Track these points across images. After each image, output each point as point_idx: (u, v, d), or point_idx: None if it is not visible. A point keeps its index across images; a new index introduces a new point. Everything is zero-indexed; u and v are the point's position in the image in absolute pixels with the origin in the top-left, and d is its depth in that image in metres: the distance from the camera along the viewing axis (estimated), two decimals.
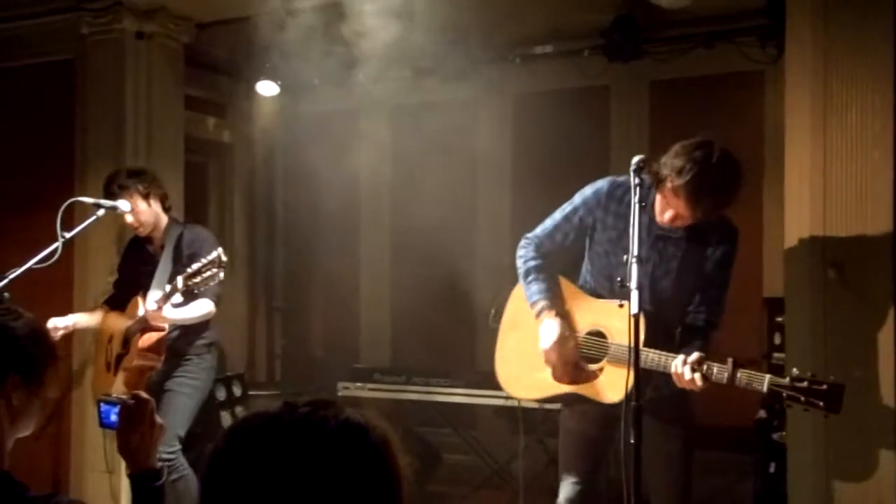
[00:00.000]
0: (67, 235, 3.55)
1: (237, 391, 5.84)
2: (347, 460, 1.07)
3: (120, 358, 3.85)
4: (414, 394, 5.20)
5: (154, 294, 3.74)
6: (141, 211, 3.90)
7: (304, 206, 6.67)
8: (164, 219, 4.01)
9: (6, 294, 3.45)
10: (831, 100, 3.35)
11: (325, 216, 6.45)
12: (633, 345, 2.43)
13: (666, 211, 2.72)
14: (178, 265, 3.82)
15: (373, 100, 6.31)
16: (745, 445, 4.58)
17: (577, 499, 2.99)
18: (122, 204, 3.80)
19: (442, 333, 6.03)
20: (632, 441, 2.44)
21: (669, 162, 2.64)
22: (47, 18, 4.90)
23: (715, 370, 2.58)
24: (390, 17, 4.70)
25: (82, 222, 3.75)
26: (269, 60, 5.69)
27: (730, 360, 2.58)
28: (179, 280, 3.54)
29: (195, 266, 3.52)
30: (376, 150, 6.56)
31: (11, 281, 3.39)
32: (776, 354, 4.34)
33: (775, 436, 4.13)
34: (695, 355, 2.60)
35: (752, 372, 2.58)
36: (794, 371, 2.55)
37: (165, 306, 3.62)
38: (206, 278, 3.50)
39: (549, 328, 2.89)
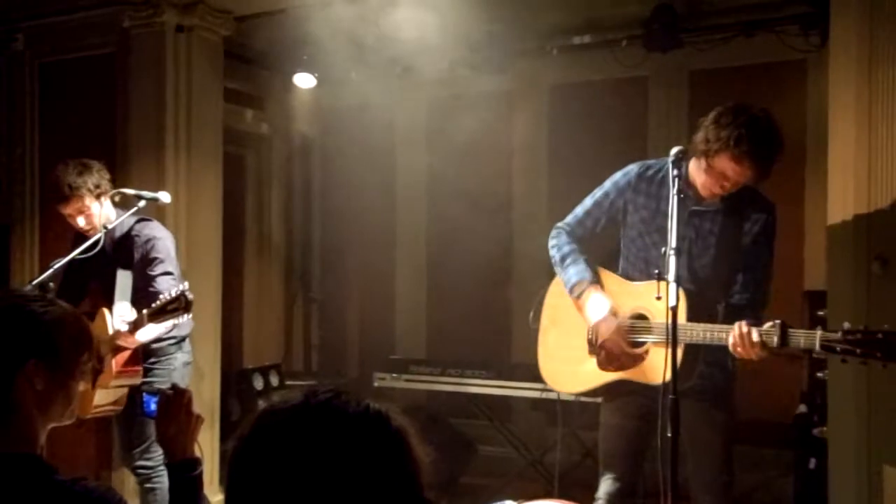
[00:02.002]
0: (109, 226, 3.61)
1: (274, 381, 5.92)
2: (367, 445, 1.09)
3: (96, 373, 3.49)
4: (449, 385, 5.21)
5: (121, 307, 3.49)
6: (92, 214, 3.59)
7: (340, 197, 6.72)
8: (114, 215, 3.68)
9: (51, 284, 3.53)
10: (877, 88, 3.27)
11: (361, 208, 6.49)
12: (671, 337, 2.41)
13: (715, 186, 2.70)
14: (134, 268, 3.61)
15: (409, 92, 6.32)
16: (785, 441, 4.52)
17: (616, 494, 2.97)
18: (163, 195, 3.82)
19: (477, 325, 6.04)
20: (668, 435, 2.42)
21: (714, 135, 2.62)
22: (90, 12, 4.98)
23: (764, 336, 2.53)
24: (427, 9, 4.70)
25: (123, 213, 3.81)
26: (307, 53, 5.73)
27: (777, 322, 2.53)
28: (145, 314, 3.28)
29: (159, 302, 3.26)
30: (413, 141, 6.58)
31: (55, 271, 3.47)
32: (822, 352, 4.26)
33: (815, 431, 4.06)
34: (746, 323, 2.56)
35: (802, 330, 2.53)
36: (846, 324, 2.48)
37: (138, 332, 3.35)
38: (171, 316, 3.23)
39: (598, 301, 2.87)
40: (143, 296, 3.48)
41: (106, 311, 3.50)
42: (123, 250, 3.64)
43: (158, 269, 3.59)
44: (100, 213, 3.61)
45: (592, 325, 2.88)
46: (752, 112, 2.63)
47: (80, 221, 3.60)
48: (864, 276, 3.28)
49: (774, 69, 5.37)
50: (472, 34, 5.44)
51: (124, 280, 3.58)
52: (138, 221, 3.70)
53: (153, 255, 3.61)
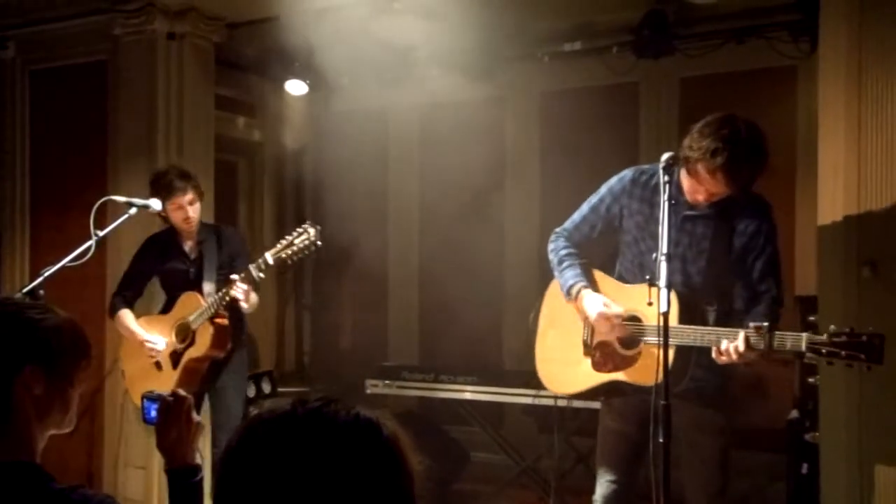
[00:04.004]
0: (100, 234, 3.60)
1: (266, 388, 5.88)
2: (359, 454, 1.08)
3: (178, 353, 3.91)
4: (442, 392, 5.20)
5: (209, 286, 3.91)
6: (197, 208, 3.97)
7: (332, 204, 6.71)
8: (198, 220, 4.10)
9: (41, 291, 3.51)
10: (866, 95, 3.30)
11: (353, 214, 6.48)
12: (662, 342, 2.41)
13: (698, 192, 2.71)
14: (220, 261, 3.99)
15: (401, 98, 6.32)
16: (777, 446, 4.52)
17: (613, 498, 2.97)
18: (154, 202, 3.84)
19: (470, 332, 6.03)
20: (661, 440, 2.42)
21: (697, 144, 2.63)
22: (81, 20, 4.97)
23: (752, 338, 2.55)
24: (419, 16, 4.71)
25: (114, 221, 3.80)
26: (299, 60, 5.72)
27: (764, 324, 2.54)
28: (268, 256, 3.59)
29: (284, 240, 3.58)
30: (405, 148, 6.58)
31: (46, 279, 3.45)
32: (808, 354, 4.27)
33: (807, 436, 4.07)
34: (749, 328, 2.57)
35: (788, 333, 2.55)
36: (832, 327, 2.51)
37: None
38: (301, 248, 3.54)
39: (593, 299, 2.89)
40: (220, 284, 3.88)
41: (195, 293, 3.90)
42: (218, 250, 4.01)
43: (246, 263, 3.86)
44: (198, 211, 3.99)
45: (594, 320, 2.88)
46: (735, 125, 2.61)
47: (190, 212, 3.93)
48: (855, 281, 3.30)
49: (765, 75, 5.40)
50: (463, 41, 5.44)
51: (211, 268, 3.97)
52: (220, 225, 4.26)
53: (241, 252, 4.06)
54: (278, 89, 6.23)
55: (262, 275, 3.67)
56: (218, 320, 3.85)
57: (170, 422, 1.86)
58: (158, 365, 3.97)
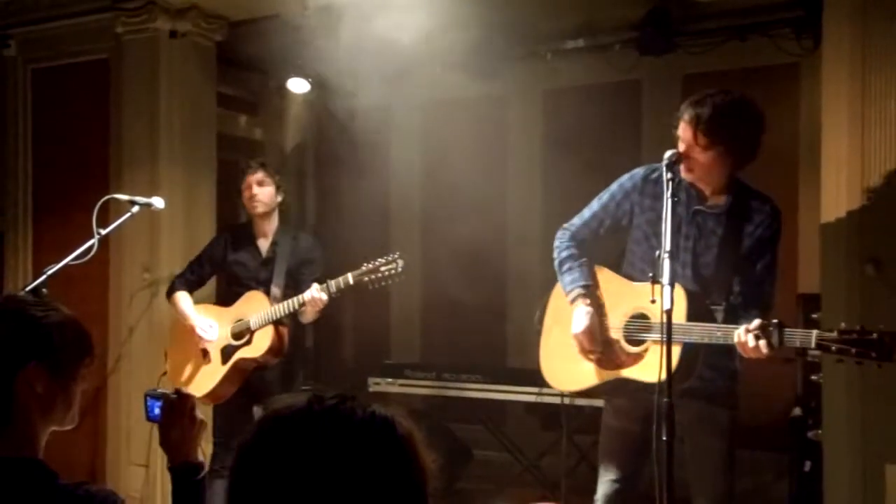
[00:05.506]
0: (103, 232, 3.60)
1: None
2: (374, 451, 1.08)
3: (231, 349, 3.86)
4: (444, 390, 5.20)
5: (276, 290, 3.88)
6: (266, 191, 3.96)
7: (334, 202, 6.71)
8: (276, 220, 4.06)
9: (44, 290, 3.52)
10: (869, 92, 3.29)
11: (355, 213, 6.48)
12: (665, 339, 2.41)
13: (681, 148, 2.74)
14: (289, 266, 3.95)
15: (403, 96, 6.32)
16: (780, 444, 4.52)
17: (615, 497, 2.96)
18: (157, 200, 3.83)
19: (472, 329, 6.03)
20: (664, 438, 2.42)
21: (690, 100, 2.72)
22: (83, 18, 4.97)
23: (761, 335, 2.52)
24: (420, 13, 4.70)
25: (117, 219, 3.80)
26: (300, 58, 5.72)
27: (775, 321, 2.53)
28: (350, 276, 3.60)
29: (371, 265, 3.58)
30: (407, 146, 6.58)
31: (49, 277, 3.46)
32: (811, 351, 4.27)
33: (810, 434, 4.07)
34: (756, 322, 2.54)
35: (799, 329, 2.54)
36: (843, 324, 2.49)
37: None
38: (385, 276, 3.56)
39: (580, 314, 2.89)
40: (286, 290, 3.88)
41: (262, 294, 3.86)
42: (289, 254, 3.98)
43: (315, 274, 3.90)
44: (270, 199, 3.99)
45: (573, 335, 2.90)
46: (729, 90, 2.70)
47: (256, 190, 3.95)
48: (858, 279, 3.29)
49: (767, 72, 5.39)
50: (466, 39, 5.44)
51: (281, 271, 3.93)
52: (299, 232, 4.23)
53: (313, 261, 4.01)
54: (280, 87, 6.24)
55: (335, 293, 3.65)
56: (281, 327, 3.82)
57: (173, 420, 1.86)
58: (206, 356, 3.92)
